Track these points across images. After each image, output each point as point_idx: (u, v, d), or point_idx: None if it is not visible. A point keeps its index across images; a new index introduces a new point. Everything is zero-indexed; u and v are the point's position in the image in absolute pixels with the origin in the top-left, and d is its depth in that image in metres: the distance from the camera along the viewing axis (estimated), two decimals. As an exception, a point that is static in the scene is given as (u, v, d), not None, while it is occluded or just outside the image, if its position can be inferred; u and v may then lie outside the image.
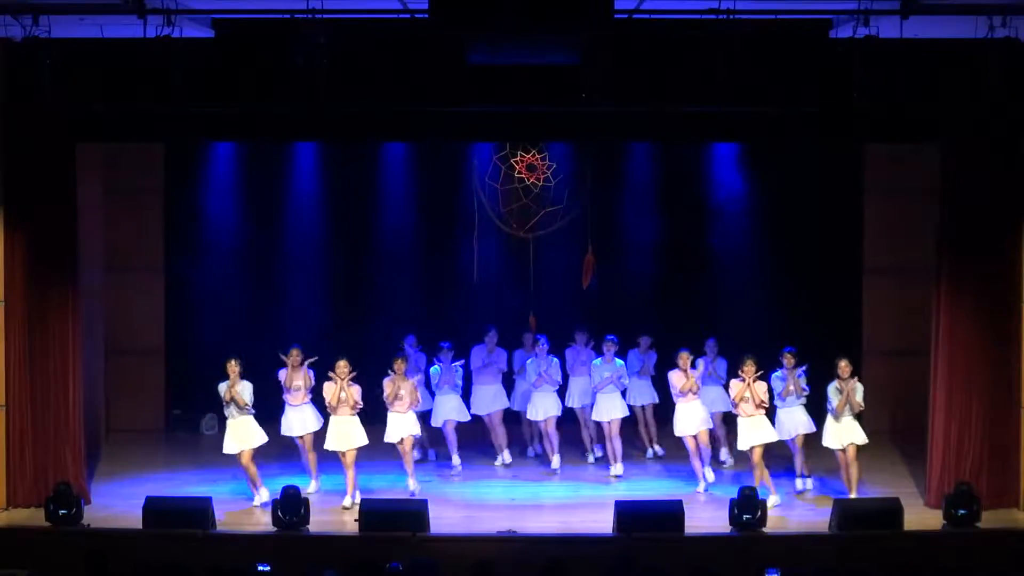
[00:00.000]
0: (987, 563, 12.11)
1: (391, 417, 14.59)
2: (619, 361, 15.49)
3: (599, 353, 15.59)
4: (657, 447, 16.33)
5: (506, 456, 15.91)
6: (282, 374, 14.61)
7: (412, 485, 14.54)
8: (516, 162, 16.84)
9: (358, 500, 14.14)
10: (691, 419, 14.78)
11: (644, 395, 16.13)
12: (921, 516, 13.69)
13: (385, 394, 14.55)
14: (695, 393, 14.79)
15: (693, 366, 14.91)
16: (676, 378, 14.81)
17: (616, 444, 15.50)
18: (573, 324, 16.33)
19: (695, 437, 14.78)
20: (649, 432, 16.33)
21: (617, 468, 15.45)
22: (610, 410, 15.41)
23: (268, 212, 17.88)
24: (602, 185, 17.25)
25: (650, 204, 17.87)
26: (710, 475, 14.85)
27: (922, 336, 14.82)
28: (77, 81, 13.35)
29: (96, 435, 16.17)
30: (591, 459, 16.06)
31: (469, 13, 11.96)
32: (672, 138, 16.29)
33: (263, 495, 14.26)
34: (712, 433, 15.37)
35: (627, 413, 15.60)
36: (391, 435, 14.59)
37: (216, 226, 17.85)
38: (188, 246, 17.79)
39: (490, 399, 15.89)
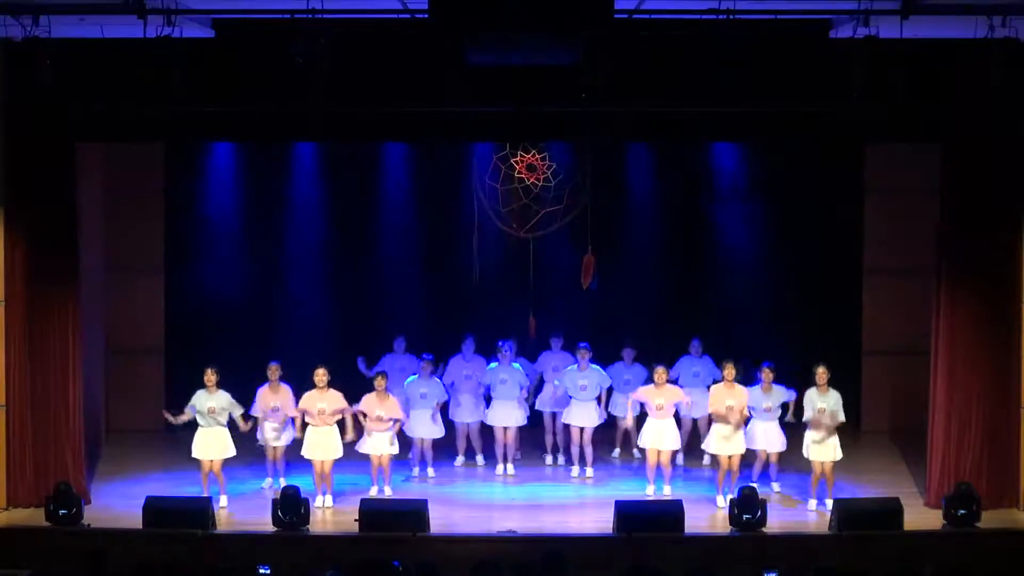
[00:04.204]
0: (987, 563, 12.12)
1: (371, 432, 14.53)
2: (595, 366, 15.33)
3: (574, 357, 15.45)
4: (618, 450, 16.23)
5: (459, 460, 15.92)
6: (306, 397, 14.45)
7: (388, 492, 14.57)
8: (516, 162, 16.87)
9: (330, 504, 14.22)
10: (657, 436, 14.55)
11: (626, 407, 15.83)
12: (921, 516, 13.70)
13: (365, 412, 14.45)
14: (663, 410, 14.50)
15: (672, 380, 14.79)
16: (646, 393, 14.65)
17: (587, 451, 15.40)
18: (573, 324, 16.32)
19: (658, 451, 14.56)
20: (624, 439, 16.18)
21: (588, 471, 15.38)
22: (584, 417, 15.26)
23: (268, 212, 17.87)
24: (602, 185, 17.24)
25: (650, 204, 17.87)
26: (666, 490, 14.59)
27: (922, 336, 14.82)
28: (77, 81, 13.39)
29: (96, 435, 16.16)
30: (548, 460, 15.95)
31: (469, 13, 11.96)
32: (672, 138, 16.28)
33: (223, 501, 14.22)
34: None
35: (602, 420, 15.44)
36: (369, 447, 14.57)
37: (216, 226, 17.83)
38: (188, 246, 17.77)
39: (471, 409, 15.78)
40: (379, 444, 14.55)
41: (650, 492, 14.55)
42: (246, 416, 14.41)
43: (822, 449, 14.12)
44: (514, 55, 12.82)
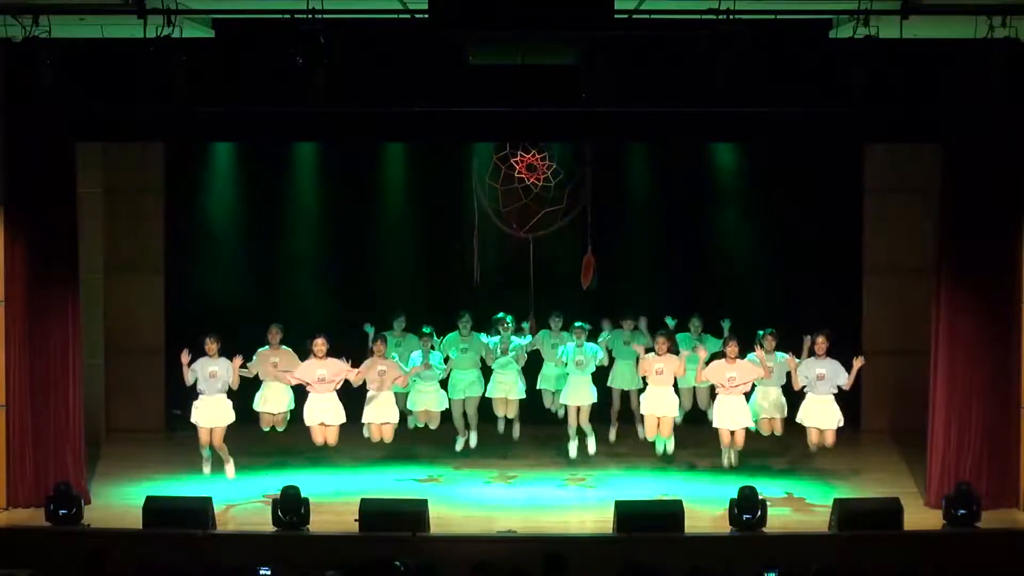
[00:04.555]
0: (987, 563, 12.11)
1: (370, 400, 14.72)
2: (591, 344, 15.27)
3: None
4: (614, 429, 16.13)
5: (472, 440, 15.83)
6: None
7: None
8: (516, 162, 16.87)
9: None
10: (657, 401, 14.68)
11: (627, 378, 15.83)
12: (921, 516, 13.70)
13: (367, 377, 14.63)
14: (660, 374, 14.63)
15: (672, 351, 14.80)
16: (644, 361, 14.75)
17: (586, 428, 15.32)
18: (571, 324, 16.30)
19: (658, 419, 14.70)
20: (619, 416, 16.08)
21: (591, 445, 15.36)
22: (580, 395, 15.22)
23: (268, 212, 17.86)
24: (602, 185, 17.25)
25: (650, 204, 17.86)
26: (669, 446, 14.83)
27: (922, 336, 14.83)
28: (77, 81, 13.37)
29: (96, 435, 16.17)
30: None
31: (469, 13, 11.96)
32: (672, 138, 16.26)
33: (230, 470, 14.57)
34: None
35: (595, 399, 15.35)
36: (369, 415, 14.74)
37: (216, 226, 17.84)
38: (188, 246, 17.78)
39: (466, 386, 15.73)
40: (380, 411, 14.66)
41: (659, 450, 14.78)
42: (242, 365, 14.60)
43: (822, 416, 14.16)
44: (514, 55, 12.83)
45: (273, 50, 12.86)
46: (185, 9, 12.31)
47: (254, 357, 14.82)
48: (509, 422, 15.84)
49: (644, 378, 14.97)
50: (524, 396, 15.68)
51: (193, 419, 14.55)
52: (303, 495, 13.30)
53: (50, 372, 14.21)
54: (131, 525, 13.15)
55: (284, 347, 14.88)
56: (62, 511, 13.26)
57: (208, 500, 13.37)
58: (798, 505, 14.34)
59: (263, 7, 12.84)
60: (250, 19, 13.29)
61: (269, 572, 10.68)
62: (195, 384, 14.54)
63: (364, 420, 14.85)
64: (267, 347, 14.85)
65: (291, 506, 13.11)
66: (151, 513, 13.08)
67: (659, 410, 14.71)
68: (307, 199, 17.90)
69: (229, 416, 14.51)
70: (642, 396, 14.98)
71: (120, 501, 14.31)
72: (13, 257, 14.11)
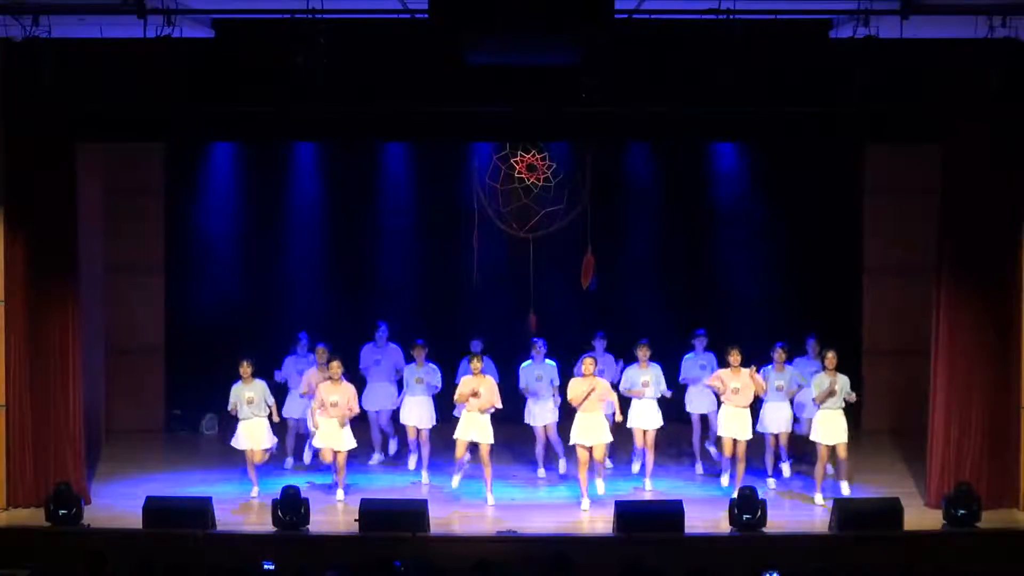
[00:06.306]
0: (987, 563, 12.12)
1: (465, 416, 14.27)
2: (655, 364, 14.95)
3: (618, 359, 15.29)
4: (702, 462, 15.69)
5: (376, 458, 15.84)
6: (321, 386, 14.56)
7: (490, 499, 14.31)
8: (516, 162, 16.89)
9: (342, 497, 14.38)
10: (583, 430, 14.18)
11: (701, 403, 15.57)
12: (921, 516, 13.70)
13: (457, 394, 14.35)
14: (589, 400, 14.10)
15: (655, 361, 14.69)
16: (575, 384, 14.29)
17: (649, 456, 14.89)
18: (571, 324, 16.32)
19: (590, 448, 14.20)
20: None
21: (648, 483, 14.91)
22: (647, 418, 14.82)
23: (268, 212, 17.87)
24: (602, 185, 17.26)
25: (650, 204, 17.87)
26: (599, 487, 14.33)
27: (922, 336, 14.83)
28: (77, 81, 13.39)
29: (96, 435, 16.16)
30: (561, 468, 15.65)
31: (469, 13, 11.96)
32: (672, 138, 16.28)
33: (254, 491, 14.49)
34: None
35: (661, 423, 14.88)
36: (464, 433, 14.25)
37: (216, 226, 17.85)
38: (188, 246, 17.78)
39: (381, 398, 15.68)
40: (479, 429, 14.21)
41: (585, 506, 14.19)
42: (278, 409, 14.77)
43: (832, 432, 14.17)
44: (514, 55, 12.83)
45: (273, 50, 12.86)
46: (185, 9, 12.31)
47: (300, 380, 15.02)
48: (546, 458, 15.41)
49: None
50: (558, 420, 15.20)
51: (235, 443, 14.60)
52: (303, 495, 13.31)
53: (50, 372, 14.21)
54: (131, 525, 13.15)
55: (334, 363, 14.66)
56: (62, 511, 13.26)
57: (208, 500, 13.37)
58: (798, 505, 14.34)
59: (263, 7, 12.83)
60: (250, 19, 13.28)
61: (273, 567, 10.70)
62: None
63: (462, 438, 14.26)
64: (315, 366, 14.87)
65: (291, 506, 13.11)
66: (151, 513, 13.08)
67: (587, 438, 14.18)
68: (307, 199, 17.91)
69: (269, 440, 14.56)
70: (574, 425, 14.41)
71: (120, 501, 14.31)
72: (13, 257, 14.12)
